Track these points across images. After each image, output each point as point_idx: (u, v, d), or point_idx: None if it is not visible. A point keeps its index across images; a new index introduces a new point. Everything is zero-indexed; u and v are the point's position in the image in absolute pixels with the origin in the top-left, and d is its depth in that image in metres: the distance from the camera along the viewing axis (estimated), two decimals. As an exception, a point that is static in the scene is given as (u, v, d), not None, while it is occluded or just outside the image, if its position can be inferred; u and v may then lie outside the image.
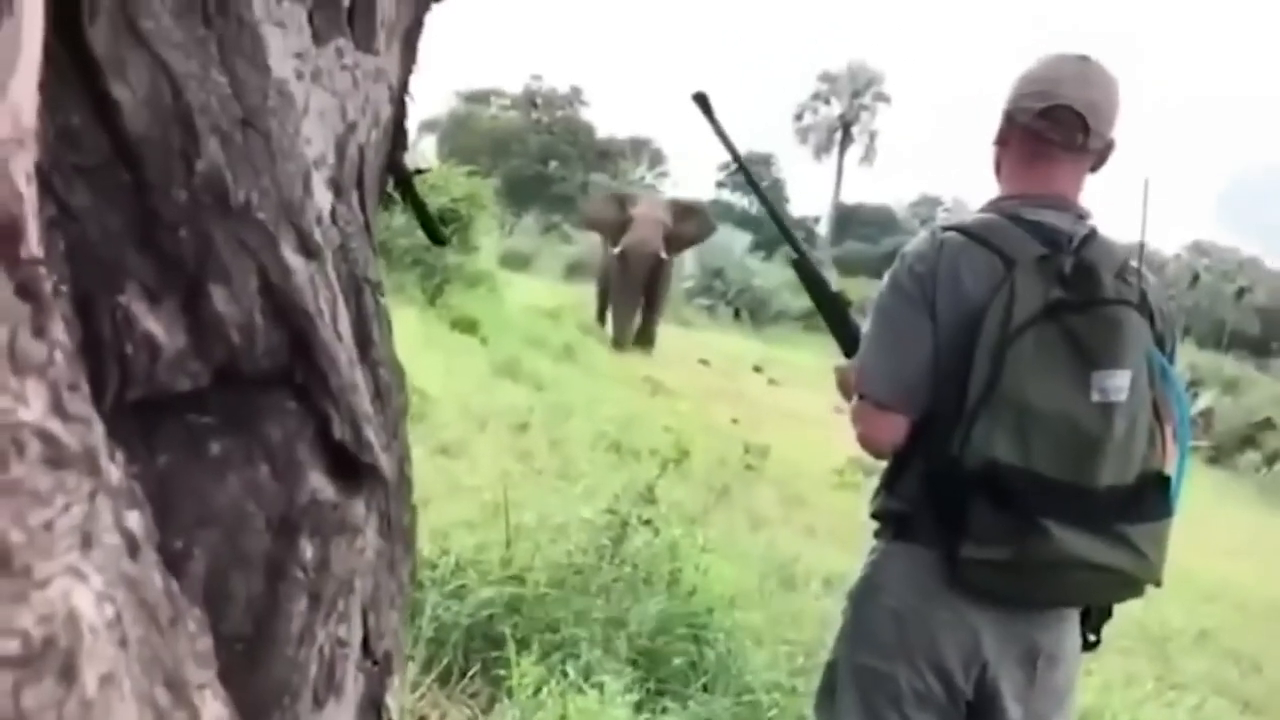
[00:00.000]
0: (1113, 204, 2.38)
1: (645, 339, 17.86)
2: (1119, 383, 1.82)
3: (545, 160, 49.44)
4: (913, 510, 1.96)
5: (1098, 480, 1.83)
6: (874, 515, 2.06)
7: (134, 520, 0.43)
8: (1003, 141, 2.08)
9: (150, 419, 0.50)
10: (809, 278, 2.31)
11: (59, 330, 0.37)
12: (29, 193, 0.39)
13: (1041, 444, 1.81)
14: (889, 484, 2.03)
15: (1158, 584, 1.92)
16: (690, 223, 18.47)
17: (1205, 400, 22.84)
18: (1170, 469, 1.94)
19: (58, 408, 0.36)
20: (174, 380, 0.52)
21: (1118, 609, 2.10)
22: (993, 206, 2.04)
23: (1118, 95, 2.02)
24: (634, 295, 17.51)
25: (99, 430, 0.40)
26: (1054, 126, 1.96)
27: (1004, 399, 1.81)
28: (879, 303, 2.02)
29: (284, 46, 0.66)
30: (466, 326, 11.44)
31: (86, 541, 0.38)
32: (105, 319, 0.50)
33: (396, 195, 0.95)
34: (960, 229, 1.97)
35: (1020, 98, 2.02)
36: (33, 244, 0.37)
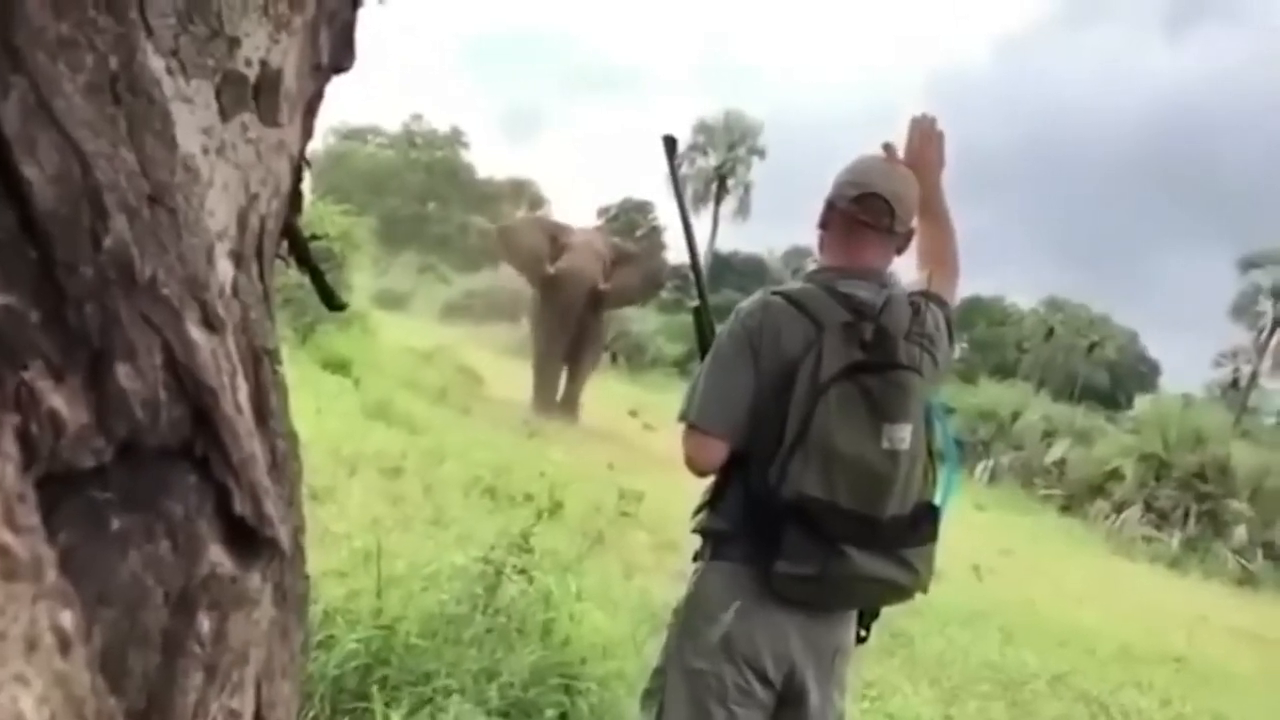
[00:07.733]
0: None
1: (567, 402, 15.01)
2: (903, 434, 2.22)
3: (423, 200, 49.06)
4: (733, 531, 2.32)
5: (885, 512, 2.22)
6: (696, 530, 2.41)
7: (66, 619, 0.43)
8: (824, 225, 2.47)
9: (51, 496, 0.50)
10: (703, 326, 2.60)
11: (10, 443, 0.37)
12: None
13: (842, 482, 2.18)
14: (711, 504, 2.38)
15: (924, 592, 2.34)
16: (630, 270, 15.05)
17: (1058, 451, 23.88)
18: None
19: (9, 520, 0.37)
20: (78, 457, 0.52)
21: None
22: (813, 277, 2.43)
23: (917, 193, 2.44)
24: (563, 337, 14.50)
25: (42, 535, 0.40)
26: (866, 210, 2.37)
27: (814, 443, 2.17)
28: (714, 348, 2.39)
29: (192, 122, 0.67)
30: (338, 367, 11.24)
31: (30, 646, 0.38)
32: (9, 396, 0.50)
33: (291, 260, 0.96)
34: (784, 294, 2.33)
35: (839, 187, 2.42)
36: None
